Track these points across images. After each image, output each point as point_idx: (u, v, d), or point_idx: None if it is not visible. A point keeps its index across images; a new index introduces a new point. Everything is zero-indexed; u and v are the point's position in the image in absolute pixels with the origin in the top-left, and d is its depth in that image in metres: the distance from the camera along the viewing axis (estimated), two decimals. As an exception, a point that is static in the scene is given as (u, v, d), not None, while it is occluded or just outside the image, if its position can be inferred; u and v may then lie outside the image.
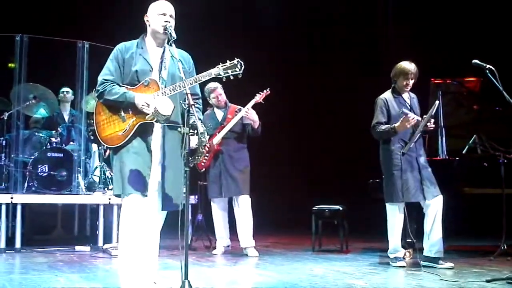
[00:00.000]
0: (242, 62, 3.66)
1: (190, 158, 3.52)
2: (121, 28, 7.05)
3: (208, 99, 6.25)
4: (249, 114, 6.06)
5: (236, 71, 3.65)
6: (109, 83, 3.73)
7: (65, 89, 7.70)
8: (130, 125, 3.67)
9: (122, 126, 3.69)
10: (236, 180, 6.08)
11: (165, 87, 3.69)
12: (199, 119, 3.68)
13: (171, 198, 3.72)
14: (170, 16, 3.78)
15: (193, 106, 3.45)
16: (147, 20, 3.84)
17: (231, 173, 6.10)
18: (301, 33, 10.89)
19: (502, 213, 5.83)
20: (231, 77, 3.68)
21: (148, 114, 3.57)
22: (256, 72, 5.37)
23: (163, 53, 3.83)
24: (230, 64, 3.66)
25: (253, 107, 6.11)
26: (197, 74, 3.85)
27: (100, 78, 3.78)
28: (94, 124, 3.81)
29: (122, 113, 3.70)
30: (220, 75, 3.66)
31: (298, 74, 10.72)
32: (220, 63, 3.67)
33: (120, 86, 3.74)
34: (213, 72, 3.67)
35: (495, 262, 5.43)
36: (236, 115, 6.17)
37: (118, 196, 3.77)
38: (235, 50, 4.07)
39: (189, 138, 3.49)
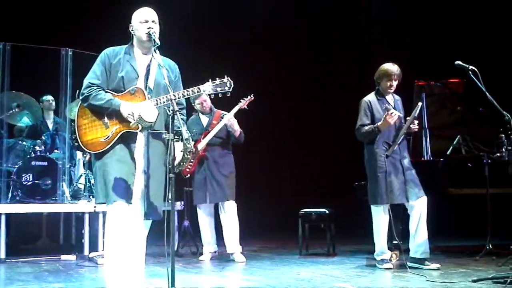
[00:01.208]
0: (232, 81, 3.67)
1: (175, 165, 3.51)
2: (105, 35, 6.99)
3: (193, 104, 6.23)
4: (230, 122, 6.04)
5: (225, 89, 3.67)
6: (95, 87, 3.70)
7: (49, 97, 7.63)
8: (113, 132, 3.65)
9: (105, 133, 3.67)
10: (222, 186, 6.06)
11: (151, 97, 3.68)
12: (184, 125, 3.67)
13: (155, 207, 3.70)
14: (153, 22, 3.76)
15: (177, 113, 3.45)
16: (131, 30, 3.82)
17: (216, 179, 6.08)
18: (299, 33, 10.83)
19: (487, 213, 5.87)
20: (220, 95, 3.69)
21: (133, 122, 3.56)
22: (251, 72, 5.34)
23: (150, 61, 3.81)
24: (219, 81, 3.68)
25: (237, 113, 6.10)
26: (182, 82, 3.88)
27: (86, 81, 3.75)
28: (76, 127, 3.76)
29: (106, 119, 3.68)
30: (210, 92, 3.66)
31: (283, 75, 10.69)
32: (210, 80, 3.67)
33: (106, 91, 3.71)
34: (202, 88, 3.67)
35: (480, 262, 5.46)
36: (221, 120, 6.16)
37: (101, 204, 3.74)
38: (233, 50, 4.07)
39: (173, 144, 3.48)
